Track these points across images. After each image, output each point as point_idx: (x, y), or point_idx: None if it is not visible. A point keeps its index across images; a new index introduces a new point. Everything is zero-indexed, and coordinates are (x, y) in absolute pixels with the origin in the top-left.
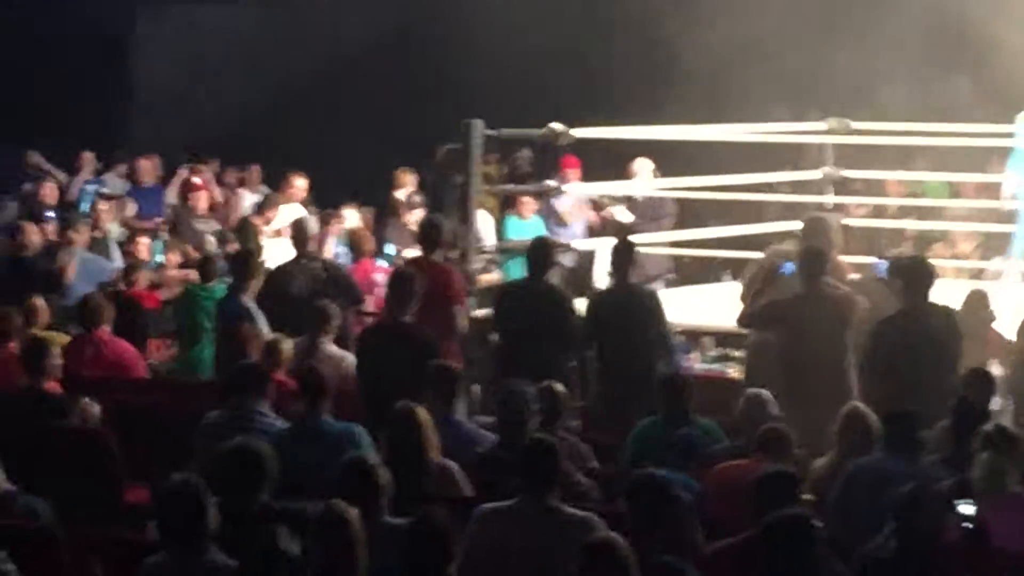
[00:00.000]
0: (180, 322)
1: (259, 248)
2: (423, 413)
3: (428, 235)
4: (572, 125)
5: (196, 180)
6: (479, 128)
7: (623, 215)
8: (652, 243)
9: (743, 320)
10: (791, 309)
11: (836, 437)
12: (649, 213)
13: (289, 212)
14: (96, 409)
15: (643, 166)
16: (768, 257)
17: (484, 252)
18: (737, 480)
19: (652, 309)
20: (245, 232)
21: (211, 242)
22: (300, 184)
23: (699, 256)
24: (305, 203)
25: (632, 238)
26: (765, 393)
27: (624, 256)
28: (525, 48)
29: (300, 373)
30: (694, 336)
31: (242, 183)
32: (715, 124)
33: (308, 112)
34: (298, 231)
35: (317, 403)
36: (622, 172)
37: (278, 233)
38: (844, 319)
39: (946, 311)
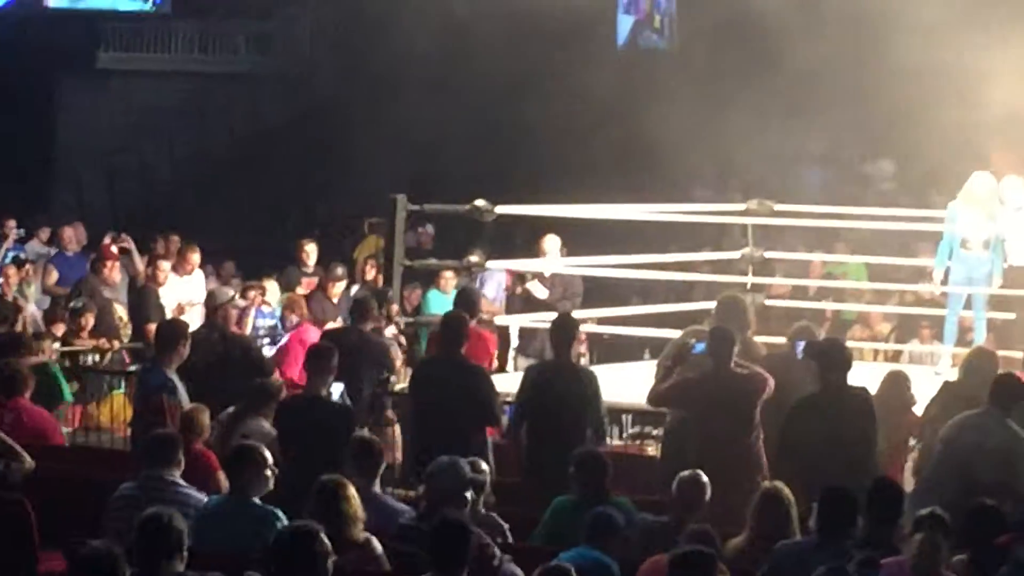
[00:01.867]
0: None
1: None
2: (350, 487)
3: (361, 307)
4: (497, 203)
5: (113, 248)
6: (403, 203)
7: (539, 291)
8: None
9: (651, 399)
10: (699, 388)
11: (751, 516)
12: (560, 291)
13: (191, 285)
14: (18, 476)
15: (552, 243)
16: (684, 336)
17: (408, 324)
18: None
19: (591, 388)
20: (146, 301)
21: (118, 312)
22: (195, 257)
23: (619, 334)
24: (227, 276)
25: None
26: (703, 475)
27: (565, 333)
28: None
29: (237, 448)
30: (614, 414)
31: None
32: (640, 204)
33: (228, 183)
34: (208, 301)
35: (249, 478)
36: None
37: (181, 310)
38: (752, 398)
39: (862, 393)
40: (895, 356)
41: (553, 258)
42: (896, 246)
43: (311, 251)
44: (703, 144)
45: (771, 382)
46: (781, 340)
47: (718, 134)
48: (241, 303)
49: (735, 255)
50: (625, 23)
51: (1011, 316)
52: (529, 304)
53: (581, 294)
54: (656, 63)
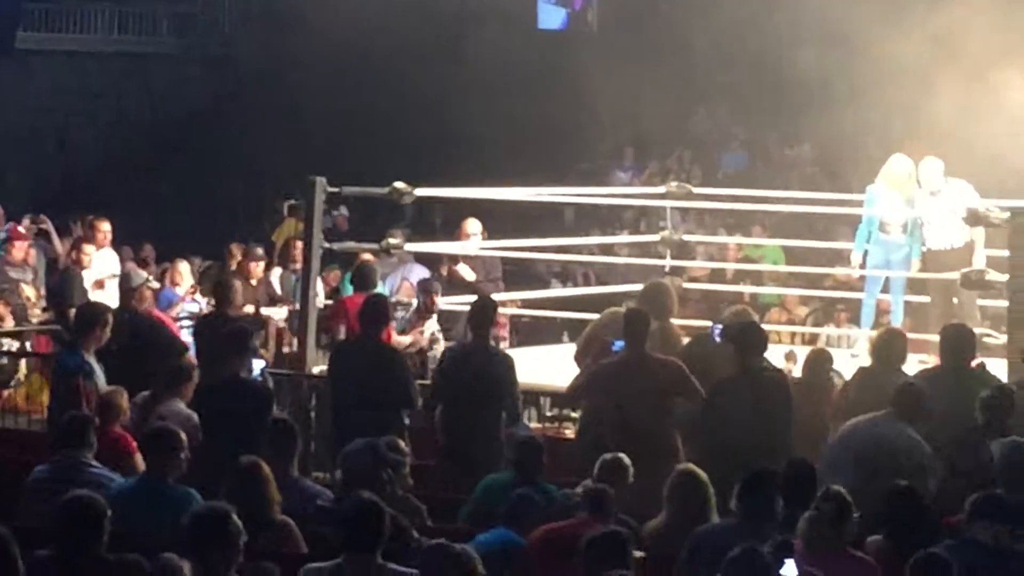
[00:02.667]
0: None
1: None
2: (266, 468)
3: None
4: (419, 184)
5: (21, 229)
6: (322, 185)
7: (468, 273)
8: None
9: (569, 398)
10: (615, 376)
11: (667, 499)
12: (484, 273)
13: (103, 260)
14: None
15: (474, 226)
16: (602, 318)
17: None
18: (563, 540)
19: (506, 371)
20: (69, 284)
21: (25, 291)
22: (105, 228)
23: (539, 316)
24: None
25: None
26: (624, 458)
27: (484, 315)
28: (369, 108)
29: (152, 431)
30: (532, 396)
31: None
32: (560, 186)
33: (149, 165)
34: (122, 283)
35: (164, 461)
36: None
37: (100, 284)
38: (667, 385)
39: (779, 375)
40: (812, 339)
41: (475, 241)
42: (815, 230)
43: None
44: (623, 127)
45: (685, 370)
46: (701, 323)
47: (638, 117)
48: (155, 285)
49: (654, 238)
50: (545, 6)
51: (927, 299)
52: (453, 287)
53: (501, 276)
54: (576, 46)
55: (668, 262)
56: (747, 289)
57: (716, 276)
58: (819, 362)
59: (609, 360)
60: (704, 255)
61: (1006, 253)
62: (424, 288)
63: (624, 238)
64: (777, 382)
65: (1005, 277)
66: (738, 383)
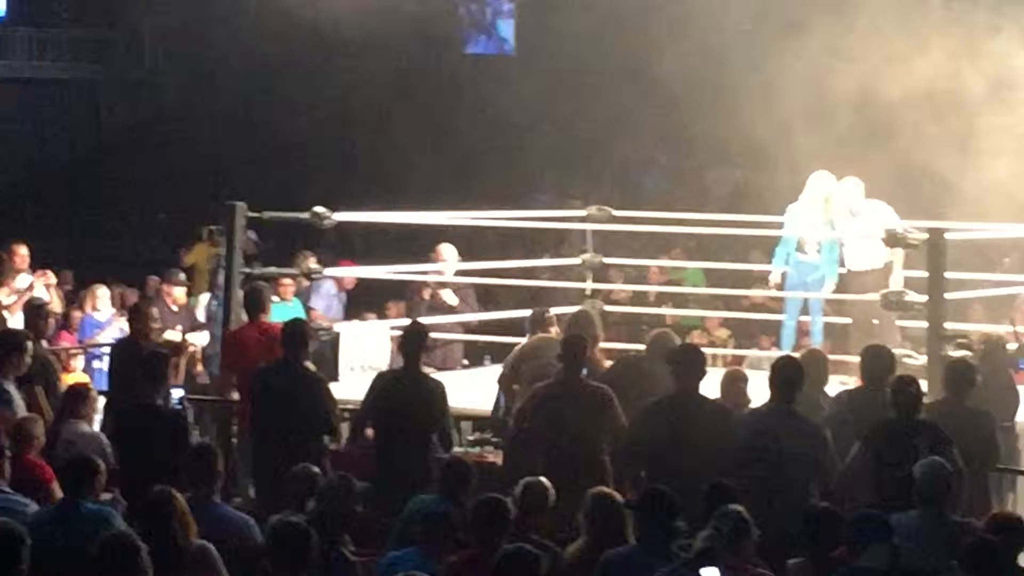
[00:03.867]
0: None
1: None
2: (179, 498)
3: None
4: (336, 209)
5: None
6: (242, 210)
7: (451, 298)
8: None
9: (514, 427)
10: (550, 400)
11: (584, 522)
12: (462, 298)
13: (21, 284)
14: None
15: (450, 251)
16: (529, 347)
17: None
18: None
19: (439, 398)
20: None
21: None
22: (23, 252)
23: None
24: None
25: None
26: (545, 481)
27: (415, 341)
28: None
29: (71, 459)
30: (454, 420)
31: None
32: (480, 210)
33: (67, 191)
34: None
35: (81, 486)
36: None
37: (14, 309)
38: (600, 411)
39: (715, 403)
40: (736, 361)
41: (452, 266)
42: (736, 252)
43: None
44: (544, 150)
45: (613, 398)
46: (624, 346)
47: (559, 140)
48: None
49: (575, 261)
50: (468, 31)
51: (848, 321)
52: (434, 311)
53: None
54: (499, 70)
55: (589, 285)
56: (669, 312)
57: (638, 299)
58: (733, 383)
59: (546, 383)
60: (625, 278)
61: (925, 274)
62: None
63: (545, 261)
64: (712, 406)
65: (924, 298)
66: (671, 405)
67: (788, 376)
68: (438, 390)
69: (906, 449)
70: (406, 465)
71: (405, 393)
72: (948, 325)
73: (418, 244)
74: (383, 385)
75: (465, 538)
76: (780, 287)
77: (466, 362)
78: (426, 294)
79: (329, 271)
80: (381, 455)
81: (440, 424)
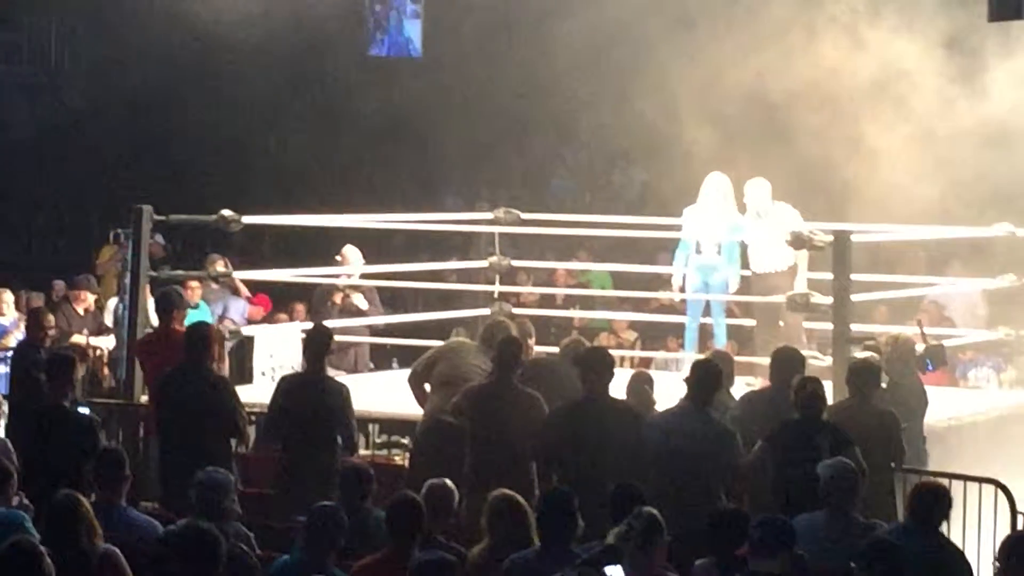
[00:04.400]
0: None
1: None
2: (84, 503)
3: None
4: (242, 211)
5: None
6: (148, 214)
7: (362, 303)
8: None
9: (453, 411)
10: (485, 399)
11: (487, 525)
12: (370, 301)
13: None
14: None
15: (354, 253)
16: (446, 349)
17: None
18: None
19: (342, 401)
20: None
21: None
22: None
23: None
24: None
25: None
26: (449, 483)
27: (318, 343)
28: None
29: None
30: (361, 424)
31: None
32: (388, 213)
33: None
34: None
35: None
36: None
37: None
38: (528, 414)
39: (625, 404)
40: (644, 363)
41: (357, 268)
42: (643, 254)
43: None
44: (452, 153)
45: (543, 405)
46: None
47: (468, 143)
48: None
49: (482, 264)
50: (375, 33)
51: (753, 322)
52: (345, 314)
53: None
54: (405, 72)
55: (497, 288)
56: (576, 314)
57: (546, 301)
58: (639, 384)
59: (480, 384)
60: (533, 281)
61: (830, 276)
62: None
63: (453, 264)
64: (622, 408)
65: (829, 300)
66: (582, 407)
67: (702, 378)
68: (342, 392)
69: (808, 449)
70: (311, 468)
71: (309, 396)
72: (853, 327)
73: (325, 247)
74: (287, 388)
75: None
76: (683, 289)
77: (372, 365)
78: (337, 298)
79: (238, 274)
80: (286, 458)
81: (344, 426)
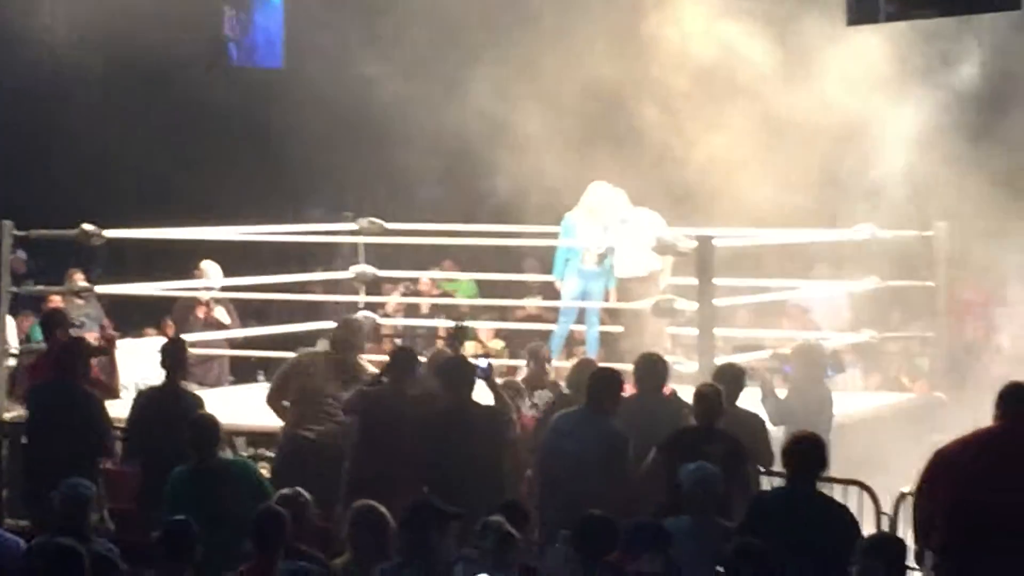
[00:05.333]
0: None
1: None
2: None
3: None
4: (103, 226)
5: None
6: (8, 228)
7: (224, 317)
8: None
9: (345, 407)
10: (373, 403)
11: (347, 536)
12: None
13: None
14: None
15: (213, 268)
16: (298, 364)
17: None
18: None
19: (196, 412)
20: None
21: None
22: None
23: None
24: None
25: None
26: (304, 493)
27: (173, 356)
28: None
29: None
30: (225, 435)
31: None
32: (253, 225)
33: None
34: None
35: None
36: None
37: None
38: (416, 421)
39: (489, 409)
40: (510, 372)
41: (216, 282)
42: (509, 262)
43: None
44: (317, 164)
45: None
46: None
47: (334, 153)
48: None
49: (348, 274)
50: (236, 43)
51: (620, 329)
52: (208, 327)
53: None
54: (269, 83)
55: (363, 298)
56: (442, 323)
57: (412, 311)
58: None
59: (375, 388)
60: (405, 290)
61: (694, 281)
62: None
63: (318, 275)
64: (487, 415)
65: (694, 305)
66: (448, 416)
67: (599, 385)
68: (199, 404)
69: (699, 457)
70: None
71: (165, 409)
72: (717, 331)
73: (190, 261)
74: (144, 403)
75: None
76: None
77: (232, 378)
78: (200, 311)
79: (100, 289)
80: (145, 472)
81: None
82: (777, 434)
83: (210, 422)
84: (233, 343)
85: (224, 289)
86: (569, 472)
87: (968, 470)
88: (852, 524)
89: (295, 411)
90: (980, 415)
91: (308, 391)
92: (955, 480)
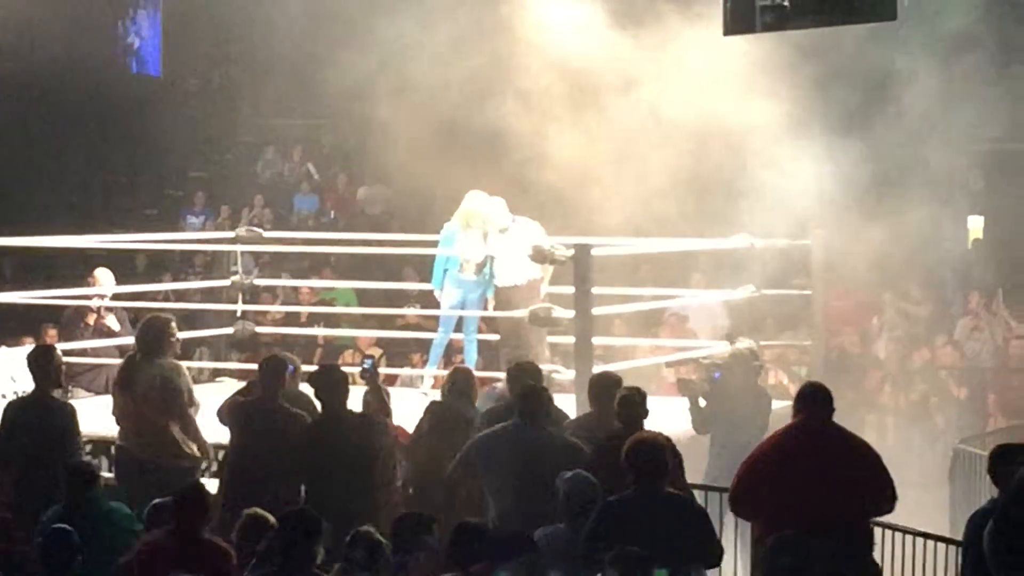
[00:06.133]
0: None
1: None
2: None
3: None
4: None
5: None
6: None
7: (114, 323)
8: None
9: (219, 415)
10: (244, 413)
11: (235, 543)
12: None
13: None
14: None
15: (107, 276)
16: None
17: None
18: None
19: (69, 421)
20: None
21: None
22: None
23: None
24: None
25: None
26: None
27: (40, 365)
28: None
29: None
30: (103, 445)
31: None
32: (131, 233)
33: None
34: None
35: None
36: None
37: None
38: (287, 434)
39: (362, 417)
40: (389, 380)
41: (109, 290)
42: (387, 271)
43: None
44: (194, 171)
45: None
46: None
47: (209, 161)
48: None
49: (225, 283)
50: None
51: (496, 337)
52: (98, 335)
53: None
54: (147, 91)
55: (240, 307)
56: (321, 332)
57: (291, 319)
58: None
59: (247, 399)
60: (284, 299)
61: (572, 290)
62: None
63: (196, 284)
64: (362, 422)
65: (571, 313)
66: (322, 428)
67: (527, 396)
68: (68, 412)
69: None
70: (41, 489)
71: (35, 418)
72: (595, 340)
73: (69, 269)
74: (11, 413)
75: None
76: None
77: None
78: (91, 319)
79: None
80: (15, 481)
81: (72, 447)
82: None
83: (84, 468)
84: (123, 351)
85: (112, 296)
86: (510, 483)
87: (774, 468)
88: (705, 523)
89: None
90: (854, 422)
91: None
92: (765, 478)
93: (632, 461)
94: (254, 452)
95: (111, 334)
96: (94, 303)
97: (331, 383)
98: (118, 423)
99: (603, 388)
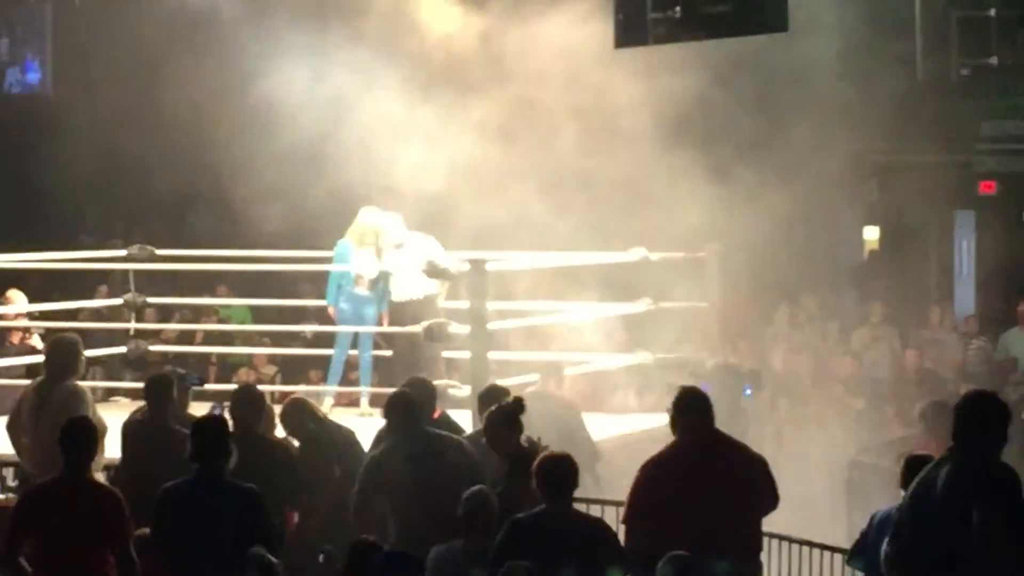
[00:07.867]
0: None
1: None
2: None
3: None
4: None
5: None
6: None
7: (38, 341)
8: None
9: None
10: (131, 433)
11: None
12: None
13: None
14: None
15: (20, 296)
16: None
17: None
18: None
19: None
20: None
21: None
22: None
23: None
24: None
25: None
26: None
27: None
28: None
29: None
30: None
31: None
32: (23, 251)
33: None
34: None
35: None
36: None
37: None
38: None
39: (274, 440)
40: (284, 398)
41: (23, 308)
42: (284, 287)
43: None
44: (87, 190)
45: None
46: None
47: (102, 180)
48: None
49: (117, 301)
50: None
51: (390, 353)
52: (22, 354)
53: None
54: (37, 109)
55: (133, 325)
56: (216, 350)
57: (185, 338)
58: (296, 412)
59: (133, 418)
60: (181, 317)
61: (467, 305)
62: None
63: (90, 302)
64: (270, 445)
65: (467, 328)
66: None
67: (405, 407)
68: None
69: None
70: None
71: None
72: (491, 355)
73: None
74: None
75: None
76: (334, 321)
77: None
78: (15, 337)
79: None
80: None
81: None
82: None
83: None
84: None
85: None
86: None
87: (661, 482)
88: (614, 542)
89: None
90: (749, 435)
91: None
92: (656, 495)
93: (542, 479)
94: (142, 470)
95: (35, 353)
96: (18, 323)
97: (247, 402)
98: (25, 450)
99: (493, 400)
